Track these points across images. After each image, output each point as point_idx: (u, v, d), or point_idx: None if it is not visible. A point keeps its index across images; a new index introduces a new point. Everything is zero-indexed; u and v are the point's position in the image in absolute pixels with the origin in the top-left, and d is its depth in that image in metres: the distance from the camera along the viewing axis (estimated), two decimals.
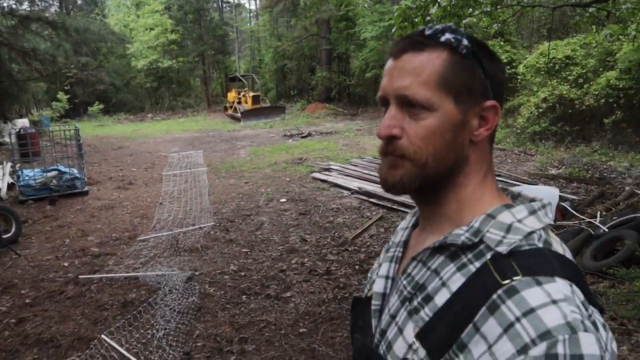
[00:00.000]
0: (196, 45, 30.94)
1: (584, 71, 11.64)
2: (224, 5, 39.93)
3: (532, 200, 0.76)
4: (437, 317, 0.67)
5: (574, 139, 11.49)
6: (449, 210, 0.76)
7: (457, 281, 0.68)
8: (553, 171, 9.21)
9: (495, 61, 0.75)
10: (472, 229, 0.71)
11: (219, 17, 35.17)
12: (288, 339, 3.68)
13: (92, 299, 4.47)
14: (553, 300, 0.59)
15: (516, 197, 0.79)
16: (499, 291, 0.62)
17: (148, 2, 27.86)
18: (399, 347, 0.71)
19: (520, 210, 0.72)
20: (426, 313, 0.69)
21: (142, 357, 3.43)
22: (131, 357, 3.41)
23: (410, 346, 0.69)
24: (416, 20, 6.30)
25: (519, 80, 13.55)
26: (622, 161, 9.59)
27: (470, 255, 0.69)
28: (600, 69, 11.45)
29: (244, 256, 5.51)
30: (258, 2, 39.89)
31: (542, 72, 12.25)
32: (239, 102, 22.53)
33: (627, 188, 7.38)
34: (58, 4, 26.02)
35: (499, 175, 7.99)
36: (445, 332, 0.65)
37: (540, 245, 0.67)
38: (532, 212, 0.72)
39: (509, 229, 0.69)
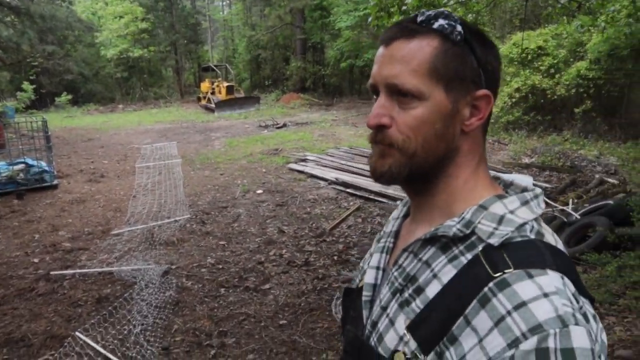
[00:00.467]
0: (168, 34, 30.26)
1: (555, 61, 11.86)
2: None
3: (525, 189, 0.75)
4: (428, 309, 0.66)
5: (545, 128, 11.73)
6: (440, 201, 0.75)
7: (448, 273, 0.67)
8: (526, 160, 9.38)
9: (489, 48, 0.73)
10: (463, 220, 0.69)
11: (191, 5, 34.44)
12: (268, 331, 3.65)
13: (65, 296, 4.35)
14: (544, 294, 0.59)
15: (509, 186, 0.78)
16: (491, 284, 0.62)
17: None
18: (390, 339, 0.70)
19: (512, 201, 0.71)
20: (417, 305, 0.69)
21: (119, 354, 3.35)
22: (107, 354, 3.33)
23: (401, 338, 0.68)
24: (392, 10, 6.28)
25: None
26: (592, 150, 9.85)
27: (461, 247, 0.68)
28: (571, 60, 11.69)
29: (221, 248, 5.44)
30: None
31: (515, 62, 12.44)
32: (213, 93, 22.19)
33: (597, 176, 7.57)
34: None
35: None
36: (436, 324, 0.64)
37: (533, 236, 0.67)
38: (525, 202, 0.71)
39: (500, 220, 0.68)
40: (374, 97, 0.75)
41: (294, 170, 9.12)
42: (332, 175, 8.37)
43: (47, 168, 8.41)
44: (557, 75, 11.64)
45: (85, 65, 26.44)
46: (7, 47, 9.58)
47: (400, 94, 0.70)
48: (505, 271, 0.62)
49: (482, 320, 0.60)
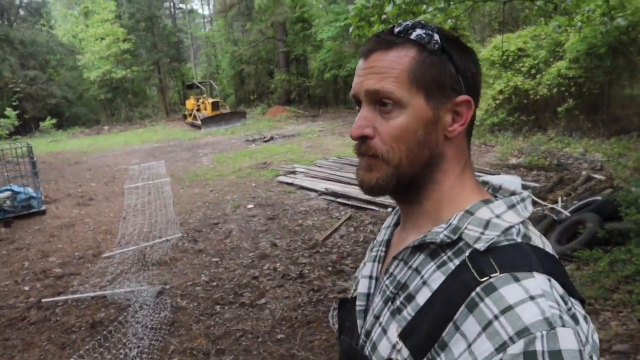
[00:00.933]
0: (151, 54, 30.24)
1: (536, 62, 12.04)
2: (177, 11, 39.31)
3: (513, 193, 0.75)
4: (419, 317, 0.67)
5: (531, 129, 11.87)
6: (428, 208, 0.76)
7: (437, 280, 0.67)
8: (514, 161, 9.48)
9: (467, 55, 0.75)
10: (451, 227, 0.70)
11: (172, 24, 34.57)
12: (266, 346, 3.62)
13: (58, 323, 4.28)
14: (531, 297, 0.59)
15: (497, 190, 0.79)
16: (478, 289, 0.62)
17: (97, 11, 27.01)
18: (384, 348, 0.70)
19: (499, 205, 0.71)
20: (409, 313, 0.69)
21: None
22: None
23: (394, 346, 0.69)
24: (372, 19, 6.35)
25: None
26: (578, 147, 9.98)
27: (450, 253, 0.69)
28: (551, 60, 11.88)
29: (215, 266, 5.41)
30: (212, 7, 39.45)
31: (497, 65, 12.61)
32: (199, 110, 22.17)
33: (583, 173, 7.67)
34: None
35: None
36: (427, 331, 0.65)
37: (519, 240, 0.67)
38: (511, 206, 0.71)
39: (487, 225, 0.68)
40: (357, 108, 0.76)
41: (283, 183, 9.11)
42: (322, 186, 8.38)
43: (34, 194, 8.31)
44: (538, 76, 11.82)
45: (69, 89, 26.29)
46: None
47: (381, 105, 0.72)
48: (492, 276, 0.62)
49: (471, 326, 0.60)
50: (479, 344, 0.59)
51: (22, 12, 29.27)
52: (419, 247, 0.73)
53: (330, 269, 5.09)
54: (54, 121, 24.41)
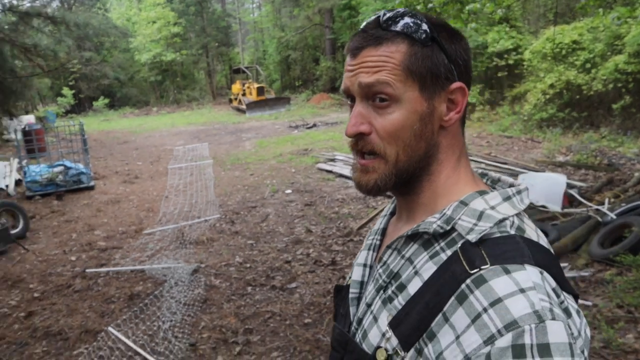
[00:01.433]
0: (199, 38, 30.84)
1: (591, 56, 11.48)
2: None
3: (511, 185, 0.74)
4: (409, 306, 0.67)
5: (581, 125, 11.36)
6: (424, 198, 0.75)
7: (429, 270, 0.67)
8: (560, 158, 9.13)
9: (457, 41, 0.73)
10: (444, 217, 0.70)
11: (221, 8, 34.99)
12: (293, 329, 3.69)
13: (99, 292, 4.51)
14: (521, 289, 0.58)
15: (496, 182, 0.78)
16: (468, 281, 0.61)
17: None
18: (374, 336, 0.71)
19: (493, 196, 0.70)
20: (399, 302, 0.69)
21: (148, 349, 3.45)
22: (137, 349, 3.43)
23: (383, 334, 0.69)
24: (418, 7, 6.23)
25: (525, 66, 13.39)
26: (631, 147, 9.49)
27: (442, 244, 0.68)
28: (608, 53, 11.28)
29: (249, 248, 5.52)
30: None
31: (549, 58, 12.10)
32: (244, 94, 22.49)
33: (636, 174, 7.30)
34: (59, 0, 26.02)
35: (505, 163, 7.93)
36: (416, 321, 0.64)
37: (513, 232, 0.66)
38: (507, 198, 0.70)
39: (480, 216, 0.68)
40: (349, 102, 0.76)
41: (322, 170, 9.15)
42: None
43: (84, 170, 8.72)
44: (593, 70, 11.26)
45: (121, 70, 27.25)
46: (45, 55, 10.01)
47: (376, 100, 0.71)
48: (482, 267, 0.61)
49: (460, 317, 0.60)
50: (467, 336, 0.58)
51: None
52: (412, 237, 0.73)
53: None
54: (106, 101, 25.43)
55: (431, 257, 0.68)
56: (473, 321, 0.58)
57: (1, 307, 4.33)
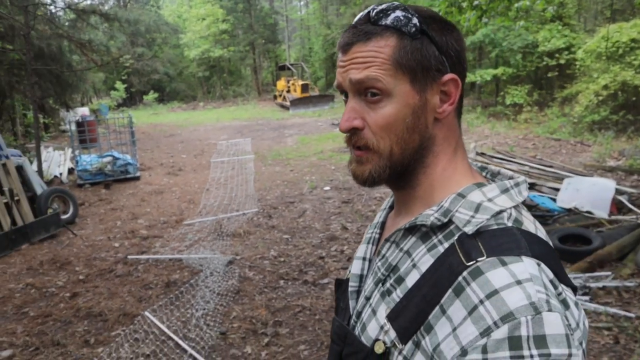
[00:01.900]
0: (247, 35, 31.37)
1: None
2: None
3: (511, 178, 0.73)
4: (406, 299, 0.67)
5: (637, 129, 10.80)
6: (421, 192, 0.75)
7: (426, 262, 0.67)
8: (611, 163, 8.71)
9: (449, 33, 0.72)
10: (442, 209, 0.69)
11: (269, 5, 35.47)
12: (322, 324, 3.72)
13: (139, 278, 4.69)
14: (517, 281, 0.58)
15: (495, 175, 0.78)
16: (464, 273, 0.61)
17: None
18: (372, 328, 0.71)
19: (491, 189, 0.70)
20: (397, 295, 0.69)
21: (180, 335, 3.57)
22: (171, 334, 3.56)
23: (382, 327, 0.69)
24: (464, 4, 6.10)
25: (578, 66, 12.85)
26: None
27: (440, 236, 0.68)
28: None
29: (285, 242, 5.59)
30: None
31: (604, 58, 11.56)
32: (288, 91, 22.71)
33: None
34: None
35: (550, 166, 7.65)
36: (413, 313, 0.65)
37: (510, 224, 0.65)
38: (504, 190, 0.70)
39: (477, 208, 0.67)
40: (344, 98, 0.76)
41: None
42: None
43: (131, 161, 9.08)
44: None
45: (171, 66, 28.12)
46: (99, 50, 10.51)
47: (367, 95, 0.71)
48: (478, 259, 0.61)
49: (457, 310, 0.60)
50: (463, 328, 0.58)
51: None
52: (410, 230, 0.73)
53: None
54: (156, 95, 26.31)
55: (429, 250, 0.68)
56: (470, 313, 0.59)
57: (50, 287, 4.59)
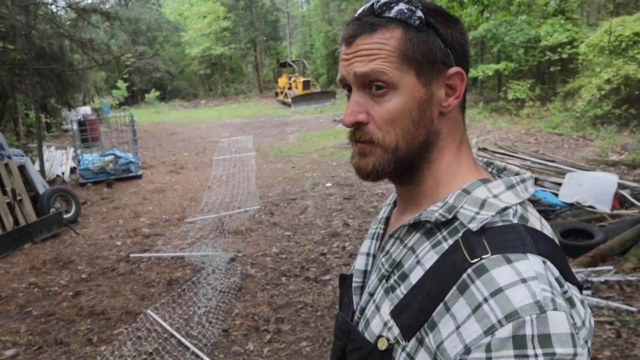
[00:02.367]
0: (248, 32, 31.33)
1: None
2: None
3: (517, 174, 0.73)
4: (410, 296, 0.66)
5: None
6: (426, 187, 0.74)
7: (431, 259, 0.66)
8: (614, 157, 8.68)
9: (453, 26, 0.71)
10: (446, 205, 0.69)
11: (270, 2, 35.39)
12: (323, 320, 3.72)
13: (141, 276, 4.70)
14: (522, 279, 0.57)
15: (502, 171, 0.77)
16: (469, 270, 0.60)
17: None
18: (376, 325, 0.71)
19: (497, 185, 0.69)
20: (401, 291, 0.68)
21: (183, 332, 3.58)
22: (173, 332, 3.57)
23: (385, 324, 0.69)
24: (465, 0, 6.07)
25: (580, 60, 12.79)
26: None
27: (445, 233, 0.67)
28: None
29: (287, 239, 5.59)
30: None
31: (607, 52, 11.50)
32: (290, 88, 22.68)
33: None
34: None
35: (552, 161, 7.63)
36: (417, 310, 0.64)
37: (515, 221, 0.64)
38: (510, 186, 0.69)
39: (482, 204, 0.66)
40: (346, 92, 0.75)
41: None
42: None
43: (133, 160, 9.09)
44: None
45: (172, 64, 28.14)
46: (100, 48, 10.53)
47: (372, 88, 0.70)
48: (483, 257, 0.60)
49: (461, 307, 0.59)
50: (467, 326, 0.58)
51: None
52: (415, 226, 0.72)
53: None
54: (158, 93, 26.32)
55: (433, 247, 0.68)
56: (474, 311, 0.58)
57: (52, 286, 4.61)
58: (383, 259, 0.75)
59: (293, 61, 26.50)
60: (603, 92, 11.18)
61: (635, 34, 11.22)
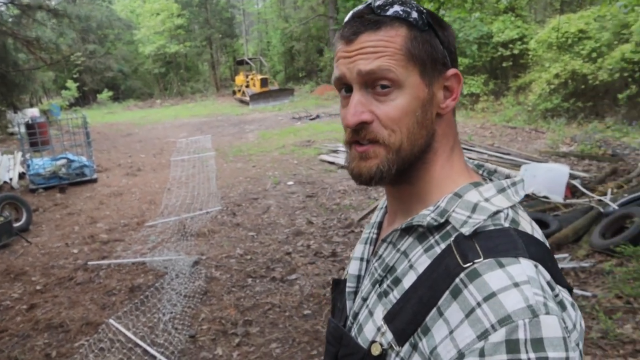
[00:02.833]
0: (203, 29, 30.78)
1: (597, 45, 11.35)
2: None
3: (507, 177, 0.73)
4: (403, 301, 0.66)
5: (586, 116, 11.28)
6: (417, 188, 0.73)
7: (423, 263, 0.66)
8: (564, 149, 9.07)
9: (447, 29, 0.72)
10: (438, 209, 0.68)
11: None
12: (292, 320, 3.70)
13: (101, 285, 4.54)
14: (515, 283, 0.57)
15: (492, 174, 0.77)
16: (462, 275, 0.60)
17: None
18: (369, 330, 0.70)
19: (488, 188, 0.69)
20: (394, 296, 0.68)
21: (148, 341, 3.48)
22: (138, 341, 3.46)
23: (378, 329, 0.68)
24: None
25: (530, 56, 13.27)
26: (636, 137, 9.41)
27: (437, 237, 0.67)
28: (615, 43, 11.15)
29: (250, 239, 5.53)
30: None
31: (554, 48, 11.99)
32: (247, 86, 22.46)
33: None
34: None
35: (507, 154, 7.89)
36: (410, 315, 0.64)
37: (507, 224, 0.65)
38: (501, 190, 0.69)
39: (474, 208, 0.66)
40: (344, 93, 0.73)
41: (325, 162, 9.14)
42: None
43: (87, 163, 8.75)
44: (599, 60, 11.15)
45: (125, 62, 27.28)
46: (47, 47, 10.05)
47: (377, 87, 0.68)
48: (475, 261, 0.60)
49: (454, 312, 0.59)
50: (460, 331, 0.58)
51: None
52: (407, 230, 0.72)
53: None
54: (110, 93, 25.46)
55: (426, 251, 0.67)
56: (467, 316, 0.58)
57: (4, 300, 4.37)
58: (376, 264, 0.75)
59: (250, 59, 26.25)
60: (552, 87, 11.64)
61: (579, 30, 11.75)
